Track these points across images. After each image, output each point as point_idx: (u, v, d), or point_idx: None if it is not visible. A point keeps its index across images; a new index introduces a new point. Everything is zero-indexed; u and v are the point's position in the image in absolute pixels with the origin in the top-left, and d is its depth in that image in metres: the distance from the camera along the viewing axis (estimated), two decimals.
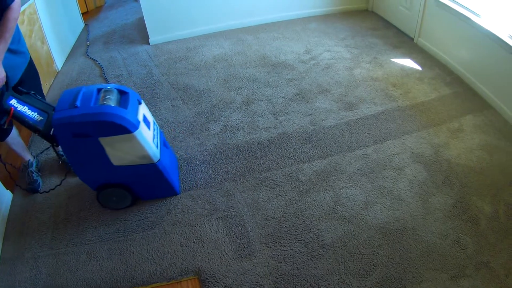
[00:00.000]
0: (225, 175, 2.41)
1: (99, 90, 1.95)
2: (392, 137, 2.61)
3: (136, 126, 1.88)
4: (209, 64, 3.57)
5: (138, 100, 2.06)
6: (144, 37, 4.18)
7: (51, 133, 1.91)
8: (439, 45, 3.40)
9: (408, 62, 3.41)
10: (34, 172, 2.44)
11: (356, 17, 4.29)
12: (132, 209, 2.23)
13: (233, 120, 2.85)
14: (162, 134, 2.31)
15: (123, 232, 2.11)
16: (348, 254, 1.92)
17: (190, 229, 2.10)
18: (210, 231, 2.07)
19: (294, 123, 2.77)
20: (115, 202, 2.22)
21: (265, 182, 2.33)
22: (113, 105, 1.87)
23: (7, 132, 2.22)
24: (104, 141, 1.88)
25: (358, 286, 1.79)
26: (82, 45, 4.35)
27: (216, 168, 2.47)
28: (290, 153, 2.52)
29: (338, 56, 3.54)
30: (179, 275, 1.89)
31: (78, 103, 1.83)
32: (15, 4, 1.82)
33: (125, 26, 4.68)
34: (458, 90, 3.03)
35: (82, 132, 1.84)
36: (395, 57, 3.50)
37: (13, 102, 1.87)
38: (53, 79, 3.77)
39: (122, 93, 2.01)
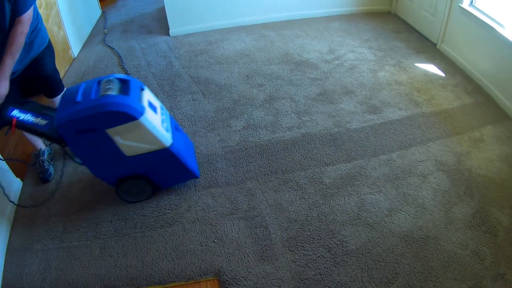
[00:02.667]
0: (247, 174, 2.37)
1: (99, 82, 1.88)
2: (416, 144, 2.55)
3: (141, 112, 1.82)
4: (230, 59, 3.52)
5: (140, 86, 1.99)
6: (163, 28, 4.13)
7: (58, 135, 1.88)
8: (461, 53, 3.33)
9: (431, 68, 3.34)
10: (46, 161, 2.41)
11: (379, 19, 4.21)
12: (150, 204, 2.20)
13: (255, 117, 2.81)
14: (172, 118, 2.23)
15: (140, 228, 2.08)
16: (372, 261, 1.88)
17: (210, 228, 2.06)
18: (231, 231, 2.04)
19: (318, 123, 2.72)
20: (135, 194, 2.19)
21: (288, 184, 2.29)
22: (114, 94, 1.80)
23: None
24: (112, 132, 1.82)
25: None
26: (100, 33, 4.31)
27: (237, 166, 2.43)
28: (313, 155, 2.47)
29: (362, 57, 3.48)
30: (198, 275, 1.85)
31: (78, 98, 1.76)
32: (26, 16, 1.76)
33: (144, 15, 4.63)
34: (479, 99, 2.96)
35: (87, 127, 1.78)
36: (419, 62, 3.42)
37: (15, 112, 1.85)
38: (68, 65, 3.74)
39: (123, 82, 1.93)
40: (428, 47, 3.66)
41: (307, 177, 2.33)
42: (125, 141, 1.88)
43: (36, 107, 1.94)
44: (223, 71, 3.35)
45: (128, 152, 1.94)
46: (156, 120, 1.94)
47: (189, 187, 2.30)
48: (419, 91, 3.05)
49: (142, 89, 1.99)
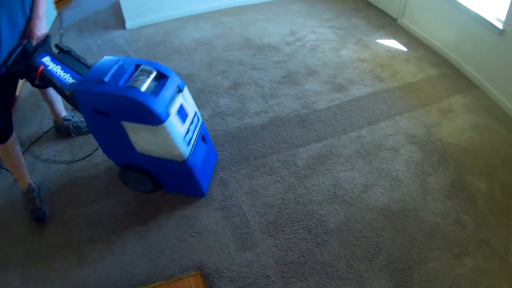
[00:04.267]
0: (218, 163, 2.30)
1: (137, 66, 1.73)
2: (384, 118, 2.57)
3: (162, 118, 1.64)
4: (190, 48, 3.40)
5: (178, 87, 1.80)
6: (119, 22, 3.93)
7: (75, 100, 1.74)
8: (423, 26, 3.39)
9: (393, 43, 3.38)
10: (37, 198, 2.07)
11: None
12: (121, 205, 2.09)
13: (221, 105, 2.73)
14: (203, 128, 2.08)
15: (114, 230, 1.98)
16: (353, 238, 1.89)
17: (186, 222, 1.99)
18: (208, 223, 1.98)
19: (285, 106, 2.68)
20: (135, 184, 2.09)
21: (261, 169, 2.25)
22: (142, 90, 1.63)
23: (7, 133, 1.85)
24: (127, 126, 1.71)
25: (366, 270, 1.76)
26: (57, 34, 4.04)
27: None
28: (284, 138, 2.44)
29: (323, 37, 3.46)
30: (179, 272, 1.79)
31: (106, 79, 1.62)
32: None
33: (99, 12, 4.38)
34: (445, 70, 3.03)
35: (103, 111, 1.67)
36: (380, 38, 3.46)
37: (46, 59, 1.70)
38: None
39: (161, 76, 1.75)
40: (388, 23, 3.70)
41: (279, 160, 2.29)
42: (139, 138, 1.76)
43: (71, 61, 1.78)
44: (184, 61, 3.24)
45: (139, 148, 1.83)
46: (178, 130, 1.75)
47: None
48: (382, 66, 3.08)
49: (180, 91, 1.82)
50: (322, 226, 1.93)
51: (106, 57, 1.78)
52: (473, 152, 2.33)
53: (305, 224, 1.94)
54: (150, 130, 1.69)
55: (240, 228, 1.94)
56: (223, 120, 2.61)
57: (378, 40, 3.42)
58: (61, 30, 4.08)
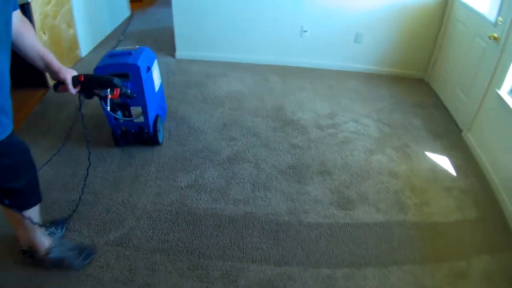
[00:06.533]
0: (162, 243, 2.03)
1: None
2: (374, 264, 2.04)
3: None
4: (218, 100, 3.21)
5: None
6: (173, 48, 3.93)
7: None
8: (486, 148, 2.74)
9: (443, 161, 2.78)
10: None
11: (407, 86, 3.70)
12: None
13: (206, 177, 2.46)
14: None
15: None
16: None
17: None
18: None
19: (270, 205, 2.31)
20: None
21: (197, 271, 1.91)
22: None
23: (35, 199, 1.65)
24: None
25: None
26: (117, 37, 4.21)
27: (157, 231, 2.10)
28: (244, 244, 2.07)
29: (363, 131, 3.00)
30: None
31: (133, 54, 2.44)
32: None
33: (165, 29, 4.47)
34: (487, 215, 2.37)
35: (148, 66, 2.49)
36: (431, 150, 2.88)
37: None
38: (71, 65, 3.65)
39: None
40: (450, 132, 3.10)
41: (222, 270, 1.93)
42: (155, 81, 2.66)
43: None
44: (204, 113, 3.05)
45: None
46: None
47: (101, 235, 2.03)
48: (414, 190, 2.52)
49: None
50: None
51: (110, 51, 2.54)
52: None
53: None
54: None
55: None
56: (198, 195, 2.33)
57: (427, 153, 2.85)
58: (121, 36, 4.21)
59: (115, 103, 2.39)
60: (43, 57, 1.45)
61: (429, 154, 2.84)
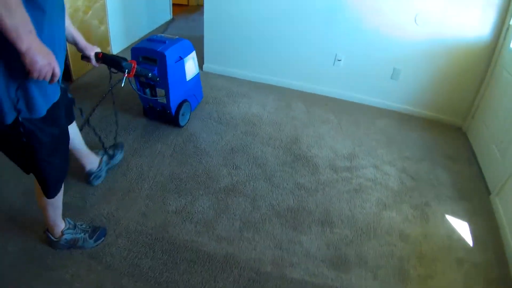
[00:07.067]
0: (133, 267, 1.90)
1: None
2: None
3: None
4: (233, 122, 3.06)
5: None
6: (201, 60, 3.84)
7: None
8: (511, 219, 2.37)
9: (463, 228, 2.44)
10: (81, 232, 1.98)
11: (441, 134, 3.34)
12: None
13: (196, 206, 2.31)
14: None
15: None
16: None
17: None
18: None
19: (255, 250, 2.11)
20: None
21: None
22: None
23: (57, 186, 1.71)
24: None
25: None
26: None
27: (132, 253, 1.99)
28: None
29: (382, 181, 2.71)
30: None
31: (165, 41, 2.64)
32: None
33: (200, 39, 4.38)
34: None
35: (180, 55, 2.72)
36: (453, 213, 2.54)
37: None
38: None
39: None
40: (478, 193, 2.73)
41: None
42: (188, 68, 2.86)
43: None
44: (214, 133, 2.91)
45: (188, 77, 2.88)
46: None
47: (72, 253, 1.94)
48: (422, 259, 2.21)
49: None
50: None
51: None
52: None
53: None
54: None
55: None
56: (182, 223, 2.18)
57: (447, 216, 2.51)
58: None
59: (145, 82, 2.71)
60: (74, 36, 1.72)
61: (449, 218, 2.51)
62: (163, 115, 2.89)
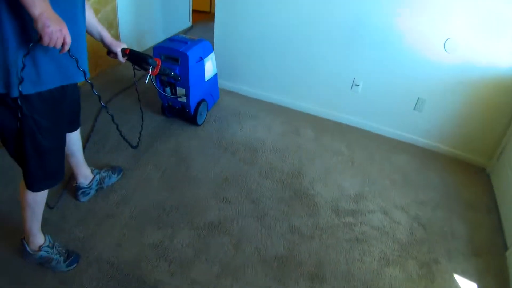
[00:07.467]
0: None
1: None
2: None
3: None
4: (233, 146, 2.84)
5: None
6: None
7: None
8: None
9: None
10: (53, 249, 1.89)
11: (463, 175, 2.97)
12: None
13: (175, 241, 2.11)
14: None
15: None
16: None
17: None
18: None
19: None
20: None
21: None
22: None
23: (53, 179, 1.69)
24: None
25: None
26: None
27: (101, 285, 1.83)
28: None
29: (389, 229, 2.41)
30: None
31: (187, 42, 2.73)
32: None
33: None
34: None
35: (200, 55, 2.80)
36: (463, 272, 2.19)
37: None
38: (109, 63, 3.57)
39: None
40: (493, 248, 2.38)
41: None
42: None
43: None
44: (210, 158, 2.70)
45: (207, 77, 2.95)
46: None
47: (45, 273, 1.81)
48: None
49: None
50: None
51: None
52: None
53: None
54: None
55: None
56: (156, 261, 1.98)
57: (455, 275, 2.18)
58: None
59: (166, 81, 2.73)
60: (100, 32, 1.77)
61: (457, 278, 2.17)
62: (181, 114, 2.96)
